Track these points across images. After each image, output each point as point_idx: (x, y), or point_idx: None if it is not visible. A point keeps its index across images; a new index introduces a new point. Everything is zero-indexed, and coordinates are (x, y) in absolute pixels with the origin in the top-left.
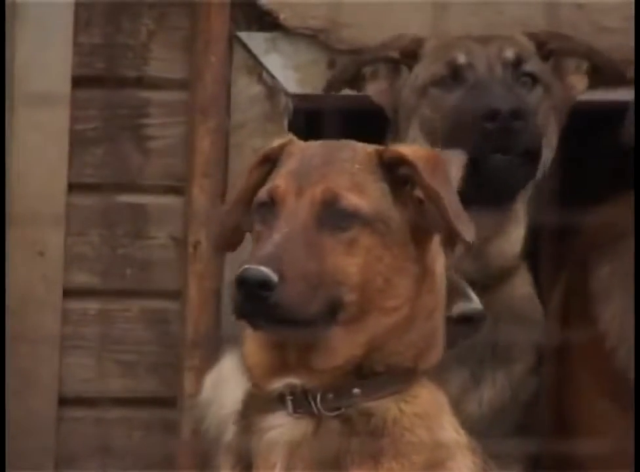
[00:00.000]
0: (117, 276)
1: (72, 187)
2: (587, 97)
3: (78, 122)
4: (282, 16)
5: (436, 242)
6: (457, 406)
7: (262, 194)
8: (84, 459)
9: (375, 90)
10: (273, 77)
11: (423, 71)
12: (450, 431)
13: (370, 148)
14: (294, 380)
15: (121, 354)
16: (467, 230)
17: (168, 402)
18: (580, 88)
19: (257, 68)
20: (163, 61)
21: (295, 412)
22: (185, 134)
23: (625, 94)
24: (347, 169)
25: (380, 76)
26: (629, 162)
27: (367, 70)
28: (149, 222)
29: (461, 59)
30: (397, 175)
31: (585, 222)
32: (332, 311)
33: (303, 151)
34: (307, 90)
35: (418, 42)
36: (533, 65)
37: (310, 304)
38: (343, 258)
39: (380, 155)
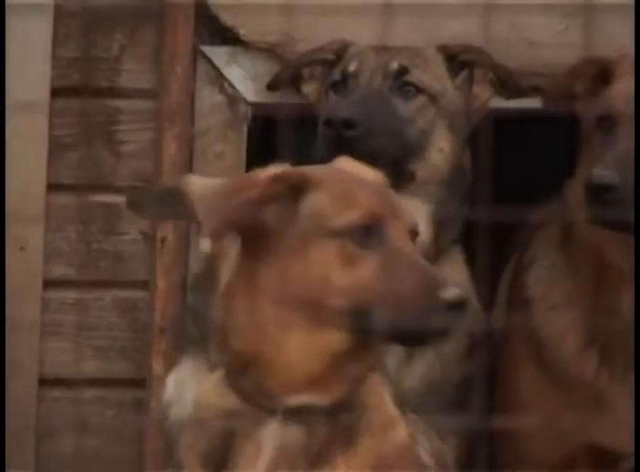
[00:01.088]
0: (92, 269)
1: (51, 188)
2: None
3: (56, 128)
4: (242, 32)
5: None
6: (394, 382)
7: (352, 220)
8: (61, 434)
9: (309, 89)
10: (233, 87)
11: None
12: (390, 406)
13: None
14: (311, 398)
15: (95, 339)
16: None
17: (138, 383)
18: (486, 97)
19: (219, 79)
20: (133, 73)
21: (286, 422)
22: (154, 139)
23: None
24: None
25: (315, 77)
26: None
27: (305, 71)
28: (120, 219)
29: (352, 67)
30: None
31: (529, 217)
32: None
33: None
34: (265, 99)
35: (345, 47)
36: (418, 76)
37: None
38: None
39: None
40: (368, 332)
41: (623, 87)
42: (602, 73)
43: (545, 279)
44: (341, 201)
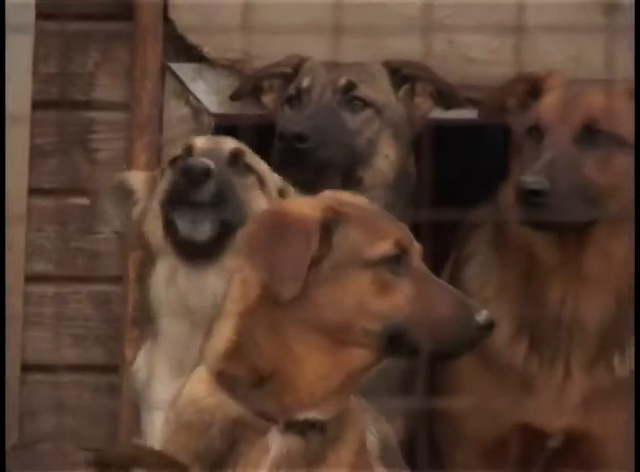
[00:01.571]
0: (69, 265)
1: (32, 191)
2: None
3: (37, 137)
4: (205, 50)
5: None
6: None
7: (385, 251)
8: (42, 415)
9: (268, 100)
10: (198, 100)
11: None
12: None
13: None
14: (316, 414)
15: (73, 329)
16: None
17: (111, 368)
18: (426, 108)
19: (185, 93)
20: (107, 88)
21: (287, 431)
22: (126, 147)
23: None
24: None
25: (274, 89)
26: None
27: (265, 83)
28: (95, 220)
29: (305, 83)
30: None
31: (466, 217)
32: None
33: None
34: (226, 111)
35: (301, 62)
36: (364, 90)
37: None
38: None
39: None
40: (398, 351)
41: (550, 100)
42: (532, 89)
43: (480, 274)
44: (372, 233)
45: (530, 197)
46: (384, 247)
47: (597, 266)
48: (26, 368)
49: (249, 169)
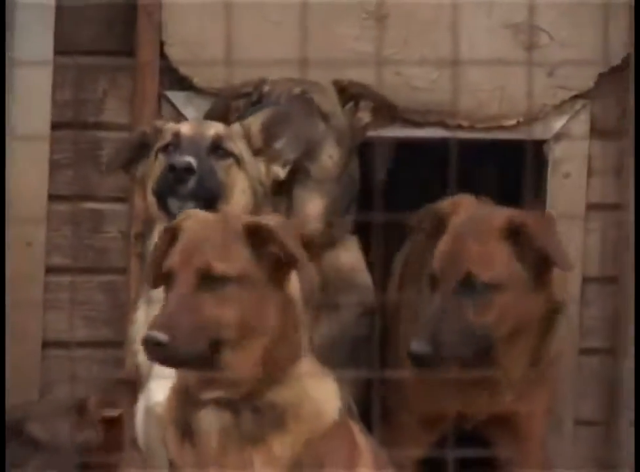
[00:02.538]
0: (82, 259)
1: (51, 197)
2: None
3: (55, 153)
4: (195, 80)
5: (293, 276)
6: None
7: (165, 268)
8: (59, 386)
9: (234, 120)
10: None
11: None
12: (321, 396)
13: (242, 220)
14: (219, 393)
15: (85, 312)
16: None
17: (117, 344)
18: (367, 122)
19: (178, 117)
20: (113, 111)
21: (220, 409)
22: None
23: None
24: (218, 243)
25: (240, 108)
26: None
27: (234, 104)
28: (104, 222)
29: (265, 90)
30: (258, 239)
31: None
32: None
33: (190, 228)
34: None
35: (262, 82)
36: (316, 98)
37: (196, 345)
38: (219, 310)
39: (245, 226)
40: None
41: (442, 249)
42: (438, 224)
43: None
44: (172, 251)
45: (417, 361)
46: (164, 267)
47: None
48: (46, 345)
49: (227, 153)
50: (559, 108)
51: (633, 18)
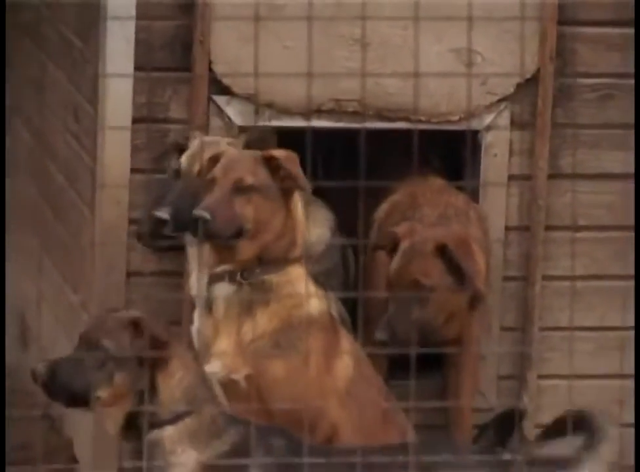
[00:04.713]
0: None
1: (132, 170)
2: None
3: (134, 139)
4: (233, 88)
5: (296, 197)
6: None
7: (209, 176)
8: (136, 307)
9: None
10: (229, 118)
11: None
12: (307, 286)
13: (260, 154)
14: (226, 267)
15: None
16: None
17: (179, 274)
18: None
19: (221, 114)
20: (176, 110)
21: (229, 281)
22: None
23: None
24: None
25: None
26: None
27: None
28: None
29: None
30: (272, 165)
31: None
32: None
33: (228, 153)
34: (246, 124)
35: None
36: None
37: (228, 227)
38: (244, 208)
39: (263, 155)
40: None
41: (396, 265)
42: (394, 244)
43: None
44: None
45: (380, 343)
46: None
47: None
48: (128, 274)
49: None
50: (489, 108)
51: (634, 18)
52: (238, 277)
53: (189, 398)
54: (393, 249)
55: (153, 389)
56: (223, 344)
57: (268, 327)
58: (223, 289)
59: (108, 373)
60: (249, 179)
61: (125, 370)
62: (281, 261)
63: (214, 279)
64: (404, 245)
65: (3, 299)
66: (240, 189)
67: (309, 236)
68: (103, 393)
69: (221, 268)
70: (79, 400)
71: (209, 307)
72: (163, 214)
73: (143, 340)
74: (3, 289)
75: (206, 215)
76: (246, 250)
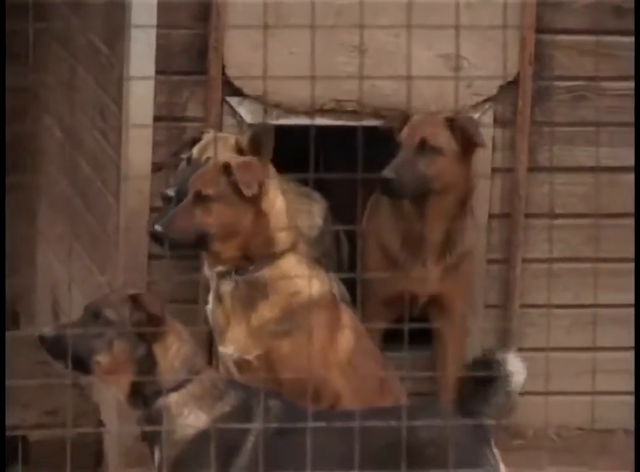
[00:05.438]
0: None
1: (153, 164)
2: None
3: (155, 136)
4: (244, 89)
5: (270, 194)
6: None
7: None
8: (152, 287)
9: None
10: (241, 116)
11: None
12: (307, 271)
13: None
14: (220, 267)
15: None
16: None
17: (192, 258)
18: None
19: (234, 113)
20: (193, 109)
21: (228, 279)
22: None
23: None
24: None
25: None
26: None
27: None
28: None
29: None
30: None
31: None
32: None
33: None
34: (255, 121)
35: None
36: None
37: (184, 237)
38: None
39: (222, 165)
40: None
41: (409, 128)
42: (402, 122)
43: (382, 216)
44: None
45: (384, 185)
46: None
47: (435, 212)
48: (150, 257)
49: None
50: (474, 107)
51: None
52: (233, 276)
53: (188, 367)
54: (402, 123)
55: (152, 361)
56: (235, 331)
57: (272, 316)
58: (226, 286)
59: (108, 340)
60: (208, 191)
61: (124, 339)
62: (269, 257)
63: (219, 276)
64: (415, 118)
65: (3, 298)
66: (201, 199)
67: (304, 224)
68: (102, 358)
69: (217, 268)
70: (81, 363)
71: (219, 299)
72: (170, 192)
73: (141, 313)
74: (3, 287)
75: (159, 228)
76: (224, 251)
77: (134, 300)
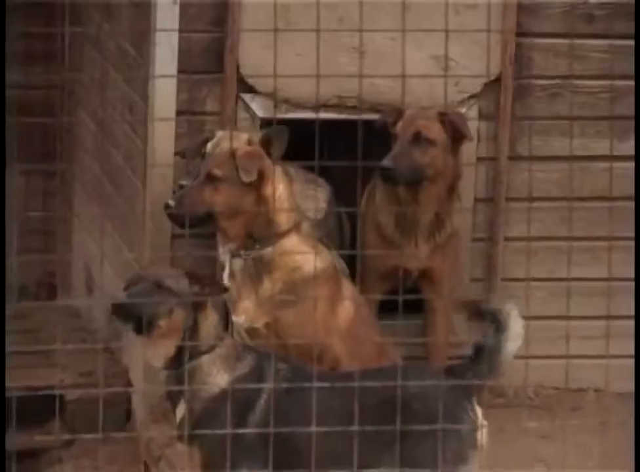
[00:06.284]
0: None
1: (175, 153)
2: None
3: (178, 128)
4: (257, 87)
5: (271, 181)
6: None
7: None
8: (175, 263)
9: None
10: (254, 111)
11: None
12: (307, 252)
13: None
14: (229, 246)
15: None
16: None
17: (211, 236)
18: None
19: (247, 108)
20: (211, 105)
21: (238, 257)
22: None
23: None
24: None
25: None
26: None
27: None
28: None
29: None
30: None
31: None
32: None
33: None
34: (267, 116)
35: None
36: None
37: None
38: (213, 196)
39: (230, 150)
40: None
41: (400, 124)
42: (396, 117)
43: (379, 199)
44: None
45: (383, 173)
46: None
47: (426, 196)
48: (173, 236)
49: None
50: (461, 103)
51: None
52: (243, 254)
53: (217, 333)
54: (397, 117)
55: (195, 327)
56: (245, 303)
57: (277, 289)
58: (237, 263)
59: (169, 307)
60: (217, 172)
61: (182, 307)
62: (272, 237)
63: (232, 255)
64: (409, 112)
65: (3, 296)
66: (211, 179)
67: (310, 206)
68: (163, 322)
69: (227, 246)
70: (145, 326)
71: (232, 275)
72: (184, 181)
73: (197, 287)
74: (3, 284)
75: (171, 203)
76: (229, 228)
77: (190, 275)
